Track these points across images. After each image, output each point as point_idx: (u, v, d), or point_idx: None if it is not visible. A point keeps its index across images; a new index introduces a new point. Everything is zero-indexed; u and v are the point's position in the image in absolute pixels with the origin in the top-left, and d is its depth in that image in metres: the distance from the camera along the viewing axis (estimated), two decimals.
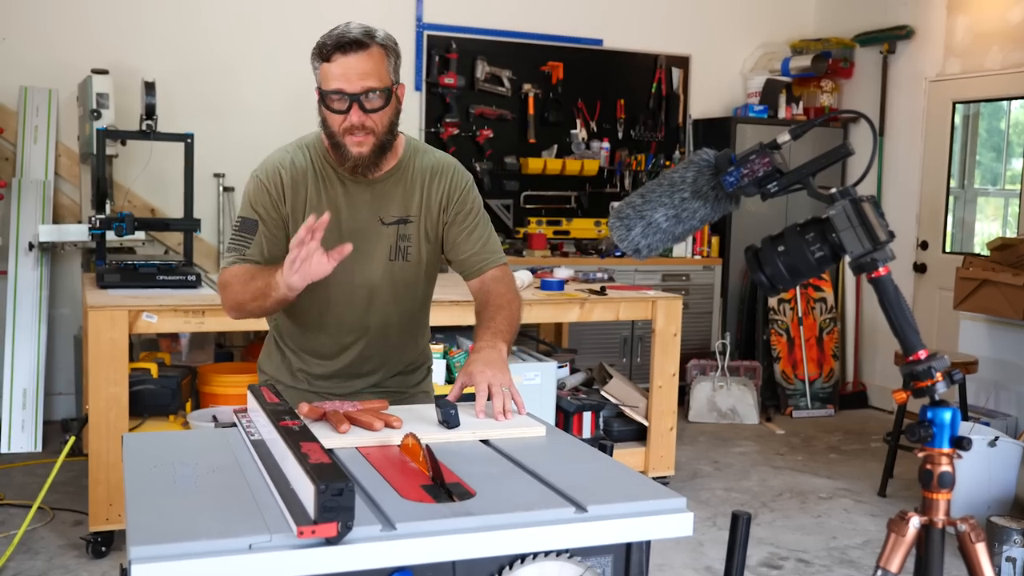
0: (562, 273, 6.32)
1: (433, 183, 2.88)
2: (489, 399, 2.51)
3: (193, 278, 5.35)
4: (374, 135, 2.68)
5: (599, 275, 6.58)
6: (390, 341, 2.99)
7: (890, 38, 8.35)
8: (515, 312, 2.85)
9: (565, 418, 5.92)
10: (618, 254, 7.94)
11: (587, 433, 5.95)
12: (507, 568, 1.80)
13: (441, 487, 1.94)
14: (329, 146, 2.77)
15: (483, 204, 2.99)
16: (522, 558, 1.80)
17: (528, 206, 8.39)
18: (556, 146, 8.43)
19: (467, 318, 5.12)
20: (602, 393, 6.22)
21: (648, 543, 1.92)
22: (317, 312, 2.91)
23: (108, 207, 5.95)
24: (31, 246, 6.55)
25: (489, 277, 2.92)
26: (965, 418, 5.86)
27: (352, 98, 2.62)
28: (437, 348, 5.42)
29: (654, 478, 5.06)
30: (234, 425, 2.40)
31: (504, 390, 2.51)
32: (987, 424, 5.94)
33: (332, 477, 1.66)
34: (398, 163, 2.84)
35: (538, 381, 5.68)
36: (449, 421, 2.37)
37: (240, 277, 2.73)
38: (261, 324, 4.73)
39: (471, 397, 2.54)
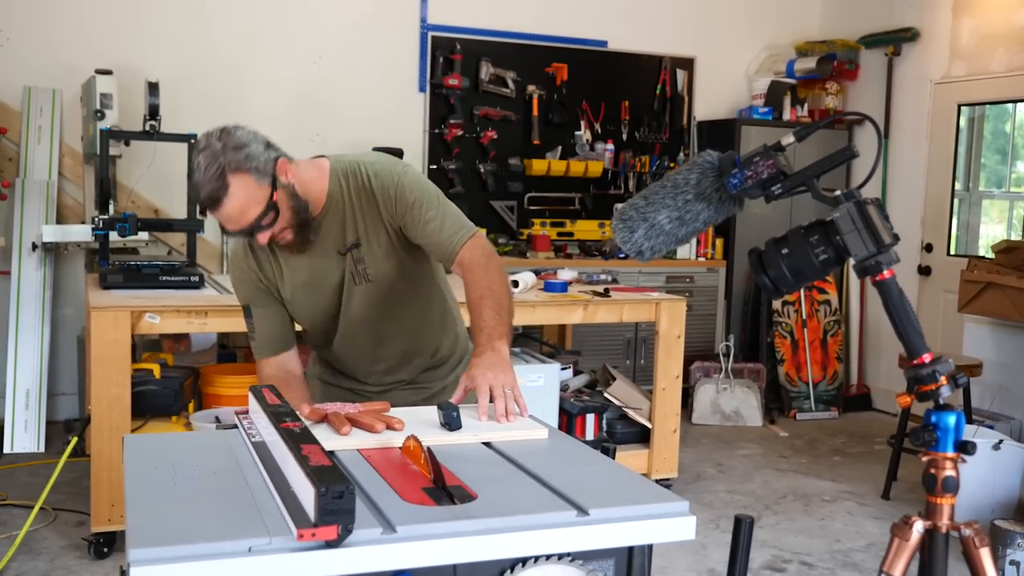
0: (566, 275, 6.31)
1: (367, 201, 2.88)
2: (492, 402, 2.50)
3: (196, 279, 5.35)
4: (288, 228, 2.76)
5: (603, 277, 6.56)
6: (399, 349, 3.08)
7: (895, 40, 8.34)
8: (497, 293, 2.78)
9: (568, 420, 5.91)
10: (622, 256, 7.93)
11: (590, 435, 5.94)
12: (508, 571, 1.79)
13: (442, 490, 1.93)
14: None
15: (426, 185, 2.93)
16: (523, 561, 1.79)
17: (532, 208, 8.39)
18: (560, 147, 8.43)
19: None
20: (605, 395, 6.21)
21: (650, 547, 1.92)
22: (326, 348, 3.11)
23: (111, 207, 5.95)
24: (34, 246, 6.55)
25: (465, 263, 2.86)
26: (969, 421, 5.84)
27: (246, 232, 2.70)
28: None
29: (657, 480, 5.03)
30: (236, 426, 2.40)
31: (507, 391, 2.50)
32: (991, 427, 5.93)
33: (333, 480, 1.65)
34: (328, 197, 2.87)
35: (541, 383, 5.67)
36: (451, 423, 2.36)
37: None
38: None
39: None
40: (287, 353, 3.03)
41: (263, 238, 2.70)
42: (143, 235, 6.40)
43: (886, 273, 2.11)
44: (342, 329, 3.00)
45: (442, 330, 3.17)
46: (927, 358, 2.10)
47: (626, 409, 6.10)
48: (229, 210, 2.63)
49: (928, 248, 8.12)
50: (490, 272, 2.82)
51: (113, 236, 5.68)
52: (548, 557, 1.81)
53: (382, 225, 2.87)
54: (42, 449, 6.29)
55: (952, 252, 8.04)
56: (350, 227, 2.87)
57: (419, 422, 2.40)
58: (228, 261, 3.06)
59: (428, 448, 2.07)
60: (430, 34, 7.92)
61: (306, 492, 1.68)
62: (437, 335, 3.16)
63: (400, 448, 2.22)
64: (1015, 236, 7.87)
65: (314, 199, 2.82)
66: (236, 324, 5.08)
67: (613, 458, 2.33)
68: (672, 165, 8.73)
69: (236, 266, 3.00)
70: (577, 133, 8.48)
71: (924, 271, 8.10)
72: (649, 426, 5.94)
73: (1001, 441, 5.38)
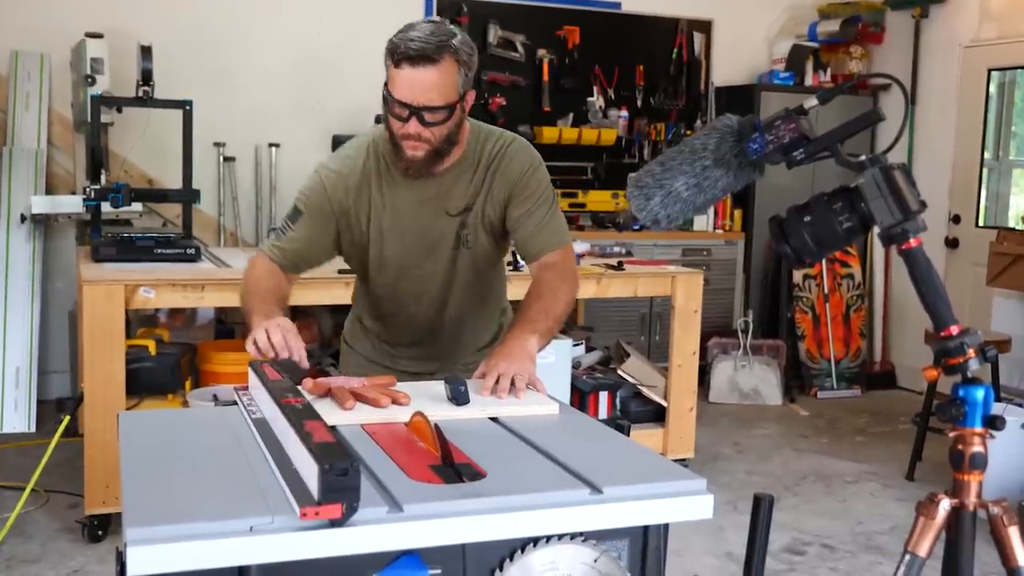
0: (578, 247, 6.26)
1: (497, 169, 2.93)
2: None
3: (192, 251, 5.35)
4: (430, 144, 2.75)
5: (616, 249, 6.57)
6: (466, 326, 3.13)
7: (923, 1, 8.29)
8: (557, 300, 2.86)
9: (580, 398, 5.92)
10: (636, 227, 7.92)
11: (603, 414, 5.95)
12: (519, 552, 1.80)
13: (450, 467, 1.94)
14: (388, 140, 2.84)
15: (549, 185, 3.00)
16: (535, 541, 1.80)
17: None
18: (572, 115, 8.40)
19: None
20: (619, 372, 6.21)
21: (666, 526, 1.92)
22: (392, 307, 3.09)
23: (103, 177, 5.95)
24: (23, 218, 6.56)
25: (544, 263, 2.94)
26: (998, 399, 5.83)
27: (413, 110, 2.68)
28: None
29: (672, 460, 5.04)
30: (235, 403, 2.40)
31: (520, 377, 2.52)
32: (1021, 406, 5.92)
33: (336, 456, 1.66)
34: (463, 154, 2.91)
35: (552, 360, 5.67)
36: (458, 398, 2.37)
37: (246, 284, 2.91)
38: None
39: None
40: (291, 275, 2.98)
41: (414, 127, 2.69)
42: (137, 206, 6.41)
43: (912, 242, 2.11)
44: (418, 284, 3.02)
45: (504, 311, 3.28)
46: (955, 330, 2.10)
47: (640, 387, 6.11)
48: (426, 75, 2.64)
49: (956, 219, 8.10)
50: (559, 283, 2.90)
51: (105, 207, 5.68)
52: (560, 537, 1.81)
53: (500, 196, 2.93)
54: (33, 429, 6.32)
55: (981, 223, 8.01)
56: (470, 190, 2.92)
57: (425, 397, 2.41)
58: (318, 170, 2.99)
59: (436, 425, 2.08)
60: None
61: (309, 470, 1.69)
62: (486, 330, 3.25)
63: (406, 424, 2.22)
64: None
65: (462, 142, 2.89)
66: (234, 299, 5.10)
67: (627, 436, 2.34)
68: (688, 132, 8.69)
69: (324, 181, 2.92)
70: (590, 99, 8.44)
71: (951, 243, 8.08)
72: (664, 404, 5.95)
73: None
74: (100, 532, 4.76)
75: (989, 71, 7.91)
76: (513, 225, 2.95)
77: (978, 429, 2.13)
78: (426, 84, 2.64)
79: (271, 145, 7.52)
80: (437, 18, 2.69)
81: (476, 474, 1.91)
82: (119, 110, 6.52)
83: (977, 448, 2.13)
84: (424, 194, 2.89)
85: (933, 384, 5.85)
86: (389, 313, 3.12)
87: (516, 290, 3.20)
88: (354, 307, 3.30)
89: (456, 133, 2.80)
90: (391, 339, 3.17)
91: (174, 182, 6.77)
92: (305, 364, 2.48)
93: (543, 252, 2.93)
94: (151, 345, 5.40)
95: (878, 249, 8.56)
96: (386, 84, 2.71)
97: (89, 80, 6.18)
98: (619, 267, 5.89)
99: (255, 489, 1.79)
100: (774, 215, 2.25)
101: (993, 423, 2.12)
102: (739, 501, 5.52)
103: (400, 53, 2.63)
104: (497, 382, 2.49)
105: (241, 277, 2.98)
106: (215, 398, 5.15)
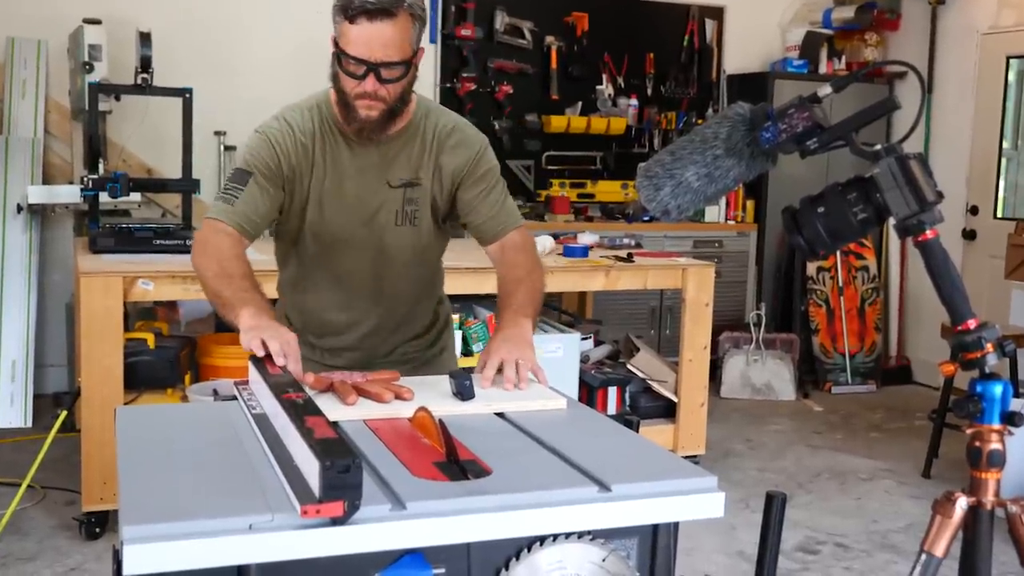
0: (586, 239, 6.30)
1: (444, 147, 2.90)
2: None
3: (192, 242, 5.34)
4: (385, 103, 2.71)
5: (626, 241, 6.55)
6: (401, 310, 3.05)
7: None
8: (536, 282, 2.88)
9: (589, 393, 5.91)
10: (646, 219, 7.91)
11: (612, 409, 5.94)
12: (525, 551, 1.80)
13: (455, 464, 1.94)
14: (338, 102, 2.79)
15: (499, 166, 3.00)
16: (541, 540, 1.80)
17: (550, 167, 8.36)
18: (580, 103, 8.39)
19: (483, 286, 5.12)
20: (628, 367, 6.21)
21: (676, 525, 1.92)
22: (327, 284, 3.00)
23: (101, 167, 5.95)
24: (19, 208, 6.56)
25: (508, 244, 2.94)
26: (1016, 395, 5.82)
27: (370, 67, 2.64)
28: (453, 318, 5.42)
29: (683, 457, 5.01)
30: (235, 398, 2.40)
31: (520, 364, 2.52)
32: None
33: (338, 453, 1.66)
34: (407, 125, 2.87)
35: (560, 354, 5.67)
36: (463, 392, 2.36)
37: (214, 265, 2.75)
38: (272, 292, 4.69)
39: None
40: (245, 240, 2.82)
41: (371, 85, 2.65)
42: (135, 196, 6.39)
43: (929, 233, 2.10)
44: (353, 257, 2.94)
45: (440, 299, 3.25)
46: (972, 324, 2.09)
47: (650, 382, 6.10)
48: (383, 30, 2.61)
49: (973, 210, 8.08)
50: (533, 264, 2.94)
51: (103, 197, 5.68)
52: (568, 535, 1.81)
53: (449, 176, 2.91)
54: (29, 424, 6.31)
55: (999, 215, 8.00)
56: (412, 164, 2.89)
57: (429, 391, 2.41)
58: (259, 130, 2.93)
59: (440, 420, 2.07)
60: None
61: (310, 466, 1.69)
62: (442, 303, 3.25)
63: (410, 419, 2.22)
64: None
65: (410, 109, 2.85)
66: None
67: (636, 432, 2.34)
68: (700, 122, 8.68)
69: (269, 139, 2.84)
70: (598, 87, 8.43)
71: (969, 235, 8.07)
72: (675, 400, 5.94)
73: None
74: (97, 529, 4.77)
75: (1008, 59, 7.88)
76: (465, 208, 2.93)
77: (996, 426, 2.12)
78: (384, 39, 2.61)
79: None
80: None
81: (481, 471, 1.91)
82: (117, 98, 6.51)
83: (995, 445, 2.12)
84: (366, 161, 2.85)
85: (950, 379, 5.86)
86: (317, 293, 3.02)
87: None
88: (280, 298, 3.17)
89: (409, 92, 2.78)
90: (317, 328, 3.06)
91: (173, 171, 6.76)
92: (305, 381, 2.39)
93: (504, 231, 2.93)
94: (150, 338, 5.39)
95: (894, 241, 8.54)
96: (336, 42, 2.67)
97: (87, 67, 6.18)
98: (628, 259, 5.88)
99: (255, 486, 1.79)
100: (787, 206, 2.25)
101: (1011, 419, 2.12)
102: (751, 499, 5.51)
103: (356, 8, 2.59)
104: (500, 371, 2.49)
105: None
106: (215, 393, 5.15)
